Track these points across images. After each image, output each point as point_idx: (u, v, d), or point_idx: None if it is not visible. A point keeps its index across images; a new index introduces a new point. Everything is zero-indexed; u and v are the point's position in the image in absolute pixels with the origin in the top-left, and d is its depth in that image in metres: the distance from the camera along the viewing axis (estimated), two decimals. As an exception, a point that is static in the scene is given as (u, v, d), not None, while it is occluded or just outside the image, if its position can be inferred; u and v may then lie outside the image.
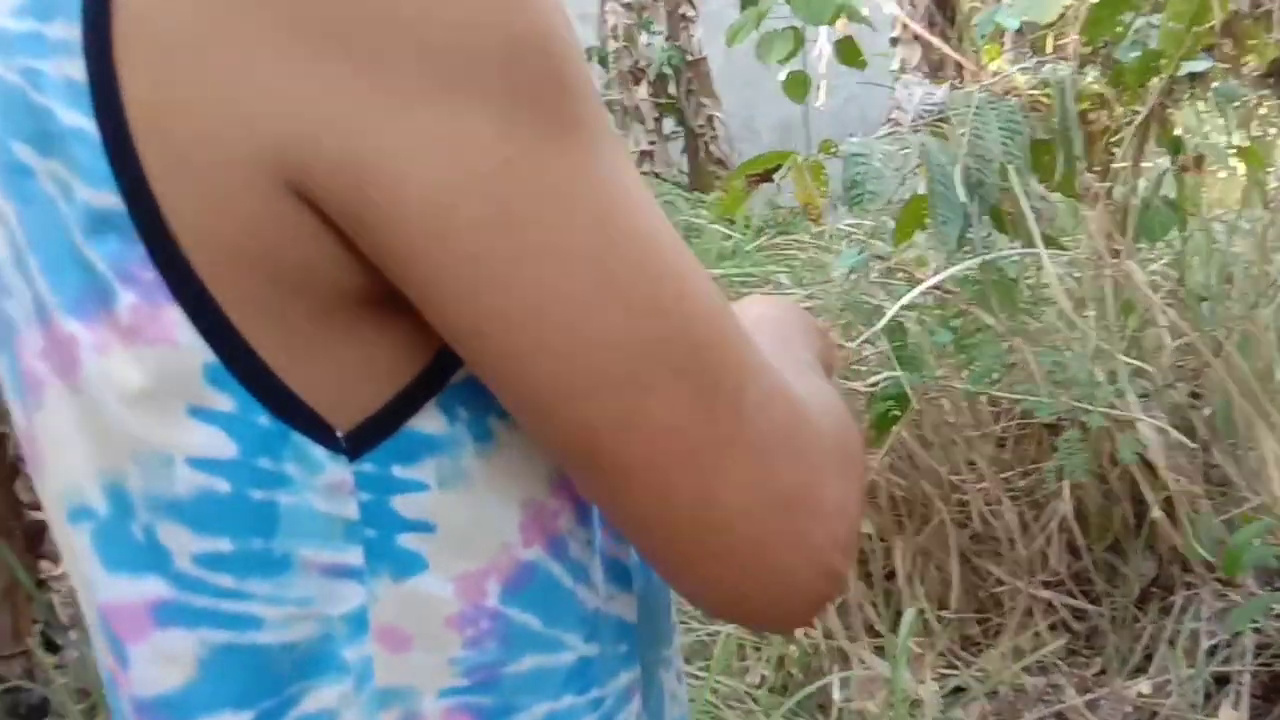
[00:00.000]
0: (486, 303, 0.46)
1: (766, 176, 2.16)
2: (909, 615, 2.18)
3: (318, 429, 0.49)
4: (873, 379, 2.34)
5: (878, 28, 3.29)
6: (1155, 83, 2.15)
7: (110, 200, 0.46)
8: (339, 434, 0.49)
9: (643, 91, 6.21)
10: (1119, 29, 2.01)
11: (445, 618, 0.51)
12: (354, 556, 0.50)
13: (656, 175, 6.10)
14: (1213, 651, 2.46)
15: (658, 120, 6.37)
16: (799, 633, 2.52)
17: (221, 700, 0.50)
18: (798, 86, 2.77)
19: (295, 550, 0.50)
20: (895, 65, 5.89)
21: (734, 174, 2.27)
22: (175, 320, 0.47)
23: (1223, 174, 2.24)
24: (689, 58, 6.29)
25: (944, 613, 2.82)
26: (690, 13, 6.45)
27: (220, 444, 0.48)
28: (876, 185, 1.87)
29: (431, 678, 0.52)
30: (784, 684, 2.55)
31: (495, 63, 0.45)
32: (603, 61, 6.09)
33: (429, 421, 0.50)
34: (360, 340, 0.49)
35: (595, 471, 0.49)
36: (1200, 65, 2.08)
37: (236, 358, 0.47)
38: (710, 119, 6.40)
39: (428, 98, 0.44)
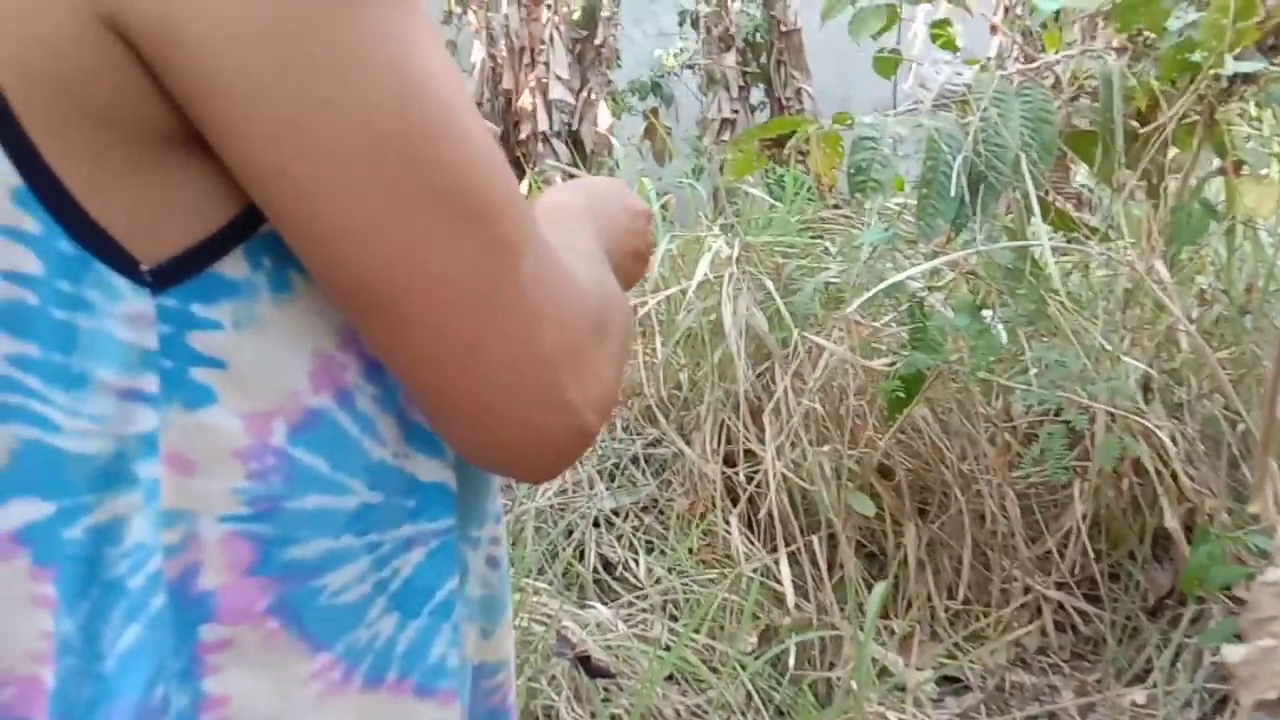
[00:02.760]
0: (279, 145, 0.50)
1: (780, 143, 2.13)
2: (880, 588, 2.18)
3: (121, 260, 0.53)
4: (888, 359, 2.31)
5: (975, 13, 3.23)
6: (1206, 82, 2.08)
7: None
8: (144, 267, 0.53)
9: (730, 59, 6.17)
10: (1162, 20, 1.94)
11: (231, 449, 0.55)
12: (149, 383, 0.54)
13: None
14: (1215, 667, 2.41)
15: (742, 89, 6.31)
16: (791, 604, 2.52)
17: (30, 488, 0.54)
18: (887, 64, 2.77)
19: (93, 370, 0.53)
20: (992, 52, 5.75)
21: (744, 136, 2.26)
22: None
23: (1265, 180, 2.16)
24: (782, 28, 6.23)
25: (951, 603, 2.80)
26: (789, -17, 6.38)
27: (28, 262, 0.52)
28: (881, 174, 1.84)
29: (213, 503, 0.55)
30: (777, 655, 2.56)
31: None
32: (694, 24, 6.07)
33: (233, 266, 0.54)
34: (170, 179, 0.53)
35: (375, 315, 0.54)
36: (1252, 66, 2.00)
37: (43, 184, 0.51)
38: (799, 91, 6.33)
39: None
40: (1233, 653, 0.63)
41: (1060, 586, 2.76)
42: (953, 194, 1.82)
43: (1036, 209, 1.92)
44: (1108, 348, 2.04)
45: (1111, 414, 2.34)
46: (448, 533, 0.62)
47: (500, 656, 0.72)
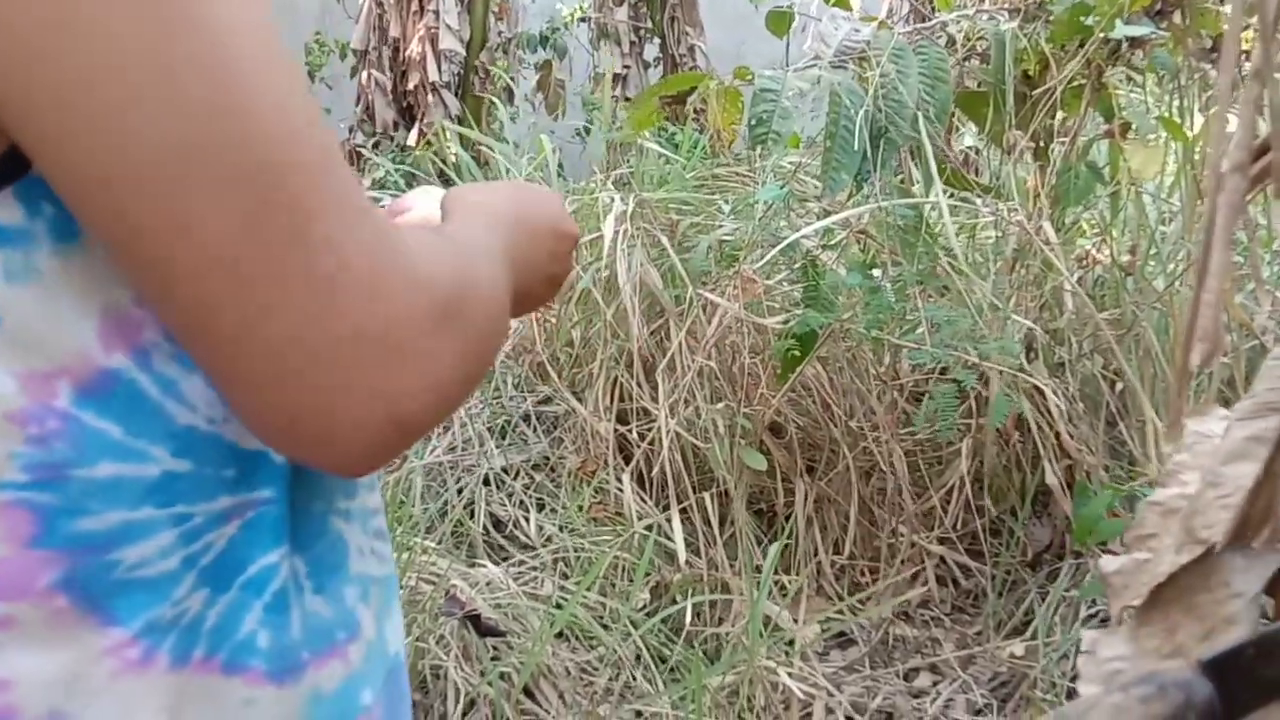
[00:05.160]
0: (30, 72, 0.44)
1: (680, 99, 2.11)
2: (774, 549, 2.19)
3: None
4: (781, 316, 2.31)
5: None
6: (1093, 45, 2.11)
7: None
8: None
9: (622, 13, 6.11)
10: (1055, -18, 1.97)
11: (5, 411, 0.50)
12: None
13: (628, 99, 6.03)
14: (1090, 620, 2.49)
15: (634, 44, 6.26)
16: (682, 560, 2.53)
17: None
18: (780, 21, 2.75)
19: None
20: (883, 11, 5.79)
21: (645, 94, 2.23)
22: None
23: (1150, 143, 2.21)
24: (675, -17, 6.19)
25: (837, 558, 2.84)
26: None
27: None
28: (782, 126, 1.82)
29: None
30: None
31: None
32: (587, -22, 6.01)
33: (3, 211, 0.48)
34: None
35: (142, 270, 0.48)
36: (1138, 30, 2.03)
37: None
38: (692, 48, 6.30)
39: None
40: (1109, 563, 0.65)
41: (943, 541, 2.82)
42: (855, 148, 1.81)
43: (934, 167, 1.92)
44: (999, 306, 2.06)
45: (999, 372, 2.38)
46: (267, 504, 0.57)
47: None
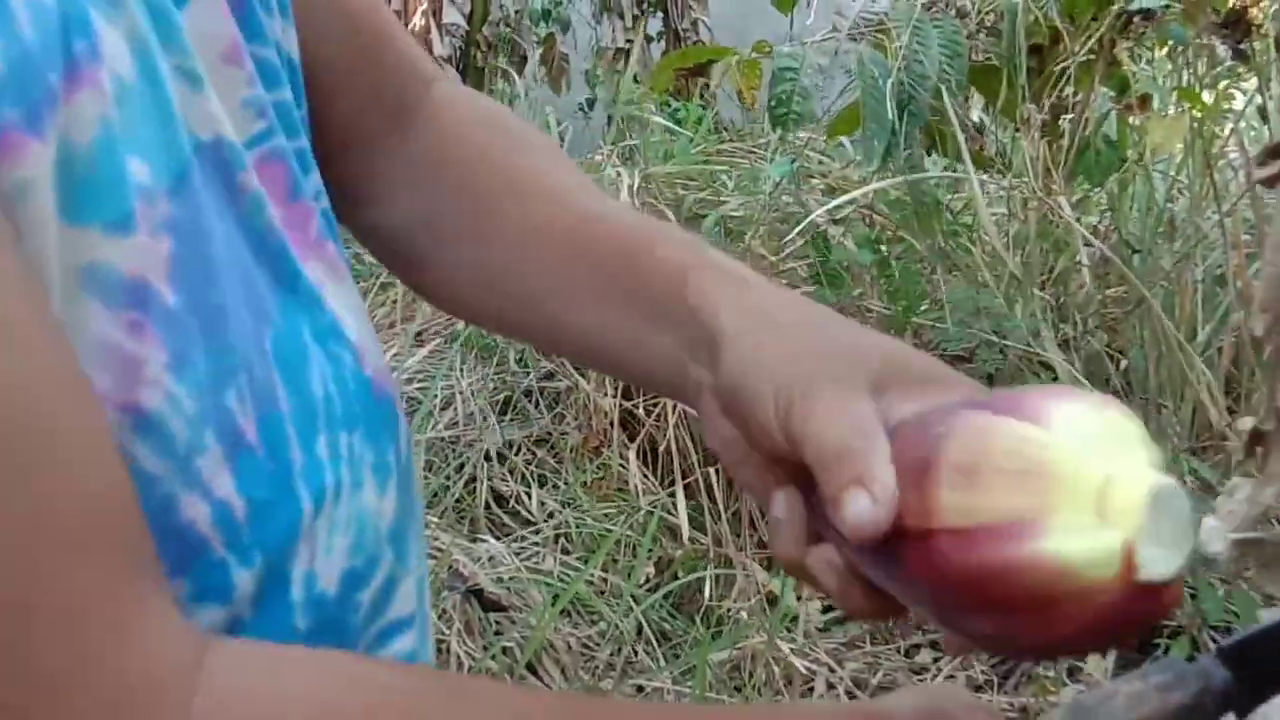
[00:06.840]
0: None
1: (698, 71, 2.09)
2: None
3: None
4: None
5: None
6: (1108, 19, 2.09)
7: None
8: None
9: (625, -14, 6.07)
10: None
11: None
12: None
13: (633, 78, 5.99)
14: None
15: (637, 18, 6.21)
16: (685, 537, 2.52)
17: None
18: (786, -2, 2.71)
19: None
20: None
21: (663, 65, 2.21)
22: None
23: (1167, 117, 2.19)
24: (679, -44, 6.15)
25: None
26: (687, -89, 6.27)
27: None
28: (802, 106, 1.79)
29: None
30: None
31: None
32: (591, -50, 5.96)
33: None
34: None
35: None
36: (1153, 1, 2.01)
37: None
38: (695, 23, 6.26)
39: None
40: (1244, 423, 0.73)
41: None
42: (889, 117, 1.79)
43: (962, 141, 1.90)
44: (1021, 281, 2.04)
45: (1006, 349, 2.37)
46: None
47: None
